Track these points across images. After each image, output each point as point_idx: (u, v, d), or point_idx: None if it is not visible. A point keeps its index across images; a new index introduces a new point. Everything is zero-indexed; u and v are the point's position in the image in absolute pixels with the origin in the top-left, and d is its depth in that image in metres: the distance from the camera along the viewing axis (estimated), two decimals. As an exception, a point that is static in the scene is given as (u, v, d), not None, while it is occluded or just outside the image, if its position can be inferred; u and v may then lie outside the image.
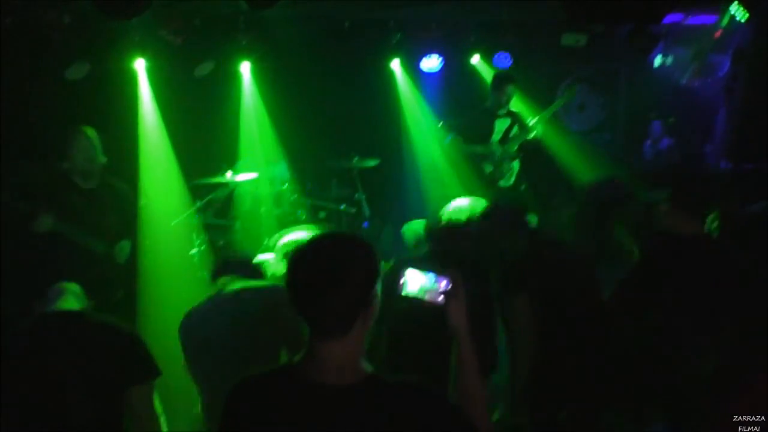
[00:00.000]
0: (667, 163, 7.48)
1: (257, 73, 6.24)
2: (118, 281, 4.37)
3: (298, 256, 1.72)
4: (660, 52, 7.14)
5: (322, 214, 6.38)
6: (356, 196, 6.51)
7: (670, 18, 6.23)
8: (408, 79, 7.12)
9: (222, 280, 2.92)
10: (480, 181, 5.87)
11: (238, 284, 2.86)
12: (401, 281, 1.95)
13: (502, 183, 5.99)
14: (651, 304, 2.98)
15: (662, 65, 7.33)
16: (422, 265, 1.99)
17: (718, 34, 6.73)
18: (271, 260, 3.25)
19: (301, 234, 3.19)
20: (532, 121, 6.12)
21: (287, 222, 5.61)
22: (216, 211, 5.79)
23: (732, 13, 5.68)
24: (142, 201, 4.71)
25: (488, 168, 5.94)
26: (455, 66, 7.01)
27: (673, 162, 7.51)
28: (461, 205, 3.15)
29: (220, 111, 6.16)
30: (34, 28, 4.51)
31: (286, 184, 6.21)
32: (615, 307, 3.12)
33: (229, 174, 5.40)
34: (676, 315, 2.93)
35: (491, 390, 3.20)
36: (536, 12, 6.28)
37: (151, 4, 3.83)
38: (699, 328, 2.76)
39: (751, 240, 3.09)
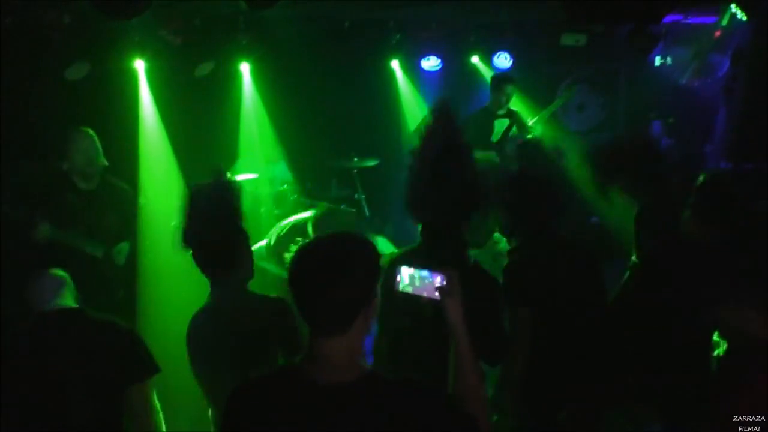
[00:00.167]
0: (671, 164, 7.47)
1: (257, 73, 6.24)
2: (118, 282, 4.37)
3: (299, 254, 1.73)
4: (660, 52, 7.15)
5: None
6: (356, 196, 6.51)
7: (670, 18, 6.23)
8: (408, 79, 7.12)
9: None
10: None
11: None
12: (397, 278, 1.95)
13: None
14: (651, 305, 2.98)
15: (662, 65, 7.33)
16: (417, 260, 2.00)
17: (717, 34, 6.73)
18: (263, 244, 3.23)
19: (296, 217, 3.19)
20: (531, 121, 6.13)
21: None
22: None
23: (733, 11, 5.68)
24: (142, 201, 4.70)
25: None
26: (455, 66, 7.02)
27: (673, 162, 7.50)
28: None
29: (220, 111, 6.16)
30: (34, 28, 4.50)
31: (286, 184, 6.21)
32: (616, 307, 3.12)
33: (228, 174, 5.40)
34: (676, 315, 2.93)
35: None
36: (536, 12, 6.28)
37: (151, 4, 3.83)
38: (699, 328, 2.76)
39: (752, 240, 3.08)
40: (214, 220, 2.74)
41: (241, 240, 2.82)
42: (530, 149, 6.06)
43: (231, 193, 2.84)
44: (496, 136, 6.00)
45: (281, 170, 6.32)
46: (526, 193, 3.14)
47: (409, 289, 1.95)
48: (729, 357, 2.38)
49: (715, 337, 2.58)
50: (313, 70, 6.31)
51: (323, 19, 5.89)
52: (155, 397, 2.66)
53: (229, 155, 6.05)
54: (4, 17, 4.28)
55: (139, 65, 5.31)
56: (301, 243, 2.10)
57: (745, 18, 5.63)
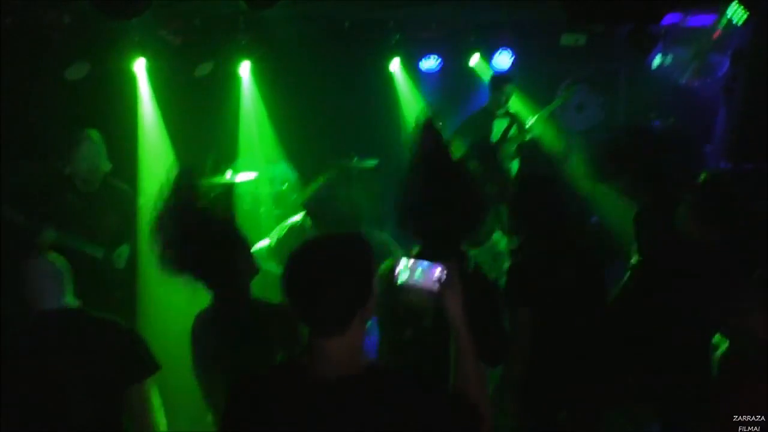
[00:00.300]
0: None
1: (257, 73, 6.24)
2: (118, 283, 4.37)
3: (294, 257, 1.73)
4: (659, 52, 7.14)
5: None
6: (356, 196, 6.50)
7: (670, 18, 6.22)
8: (407, 79, 7.12)
9: None
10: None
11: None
12: (396, 271, 1.95)
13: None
14: (651, 305, 2.98)
15: (661, 65, 7.33)
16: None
17: (717, 34, 6.72)
18: (264, 245, 3.21)
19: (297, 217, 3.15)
20: (530, 121, 6.13)
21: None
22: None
23: (729, 16, 5.68)
24: (142, 201, 4.71)
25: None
26: (455, 66, 7.01)
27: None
28: None
29: (220, 111, 6.15)
30: (34, 28, 4.50)
31: (286, 184, 6.20)
32: (616, 308, 3.12)
33: (228, 174, 5.40)
34: (676, 315, 2.94)
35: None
36: (536, 12, 6.28)
37: (151, 4, 3.83)
38: (699, 328, 2.76)
39: (752, 240, 3.09)
40: (197, 240, 2.59)
41: (236, 247, 2.72)
42: (530, 149, 6.07)
43: (201, 200, 2.71)
44: (495, 136, 6.00)
45: (281, 170, 6.32)
46: (528, 193, 3.14)
47: (408, 281, 1.95)
48: (729, 357, 2.38)
49: (716, 337, 2.58)
50: (313, 70, 6.30)
51: (323, 19, 5.89)
52: (156, 396, 2.66)
53: (228, 155, 6.05)
54: (4, 17, 4.28)
55: (139, 65, 5.31)
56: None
57: (741, 21, 5.62)
